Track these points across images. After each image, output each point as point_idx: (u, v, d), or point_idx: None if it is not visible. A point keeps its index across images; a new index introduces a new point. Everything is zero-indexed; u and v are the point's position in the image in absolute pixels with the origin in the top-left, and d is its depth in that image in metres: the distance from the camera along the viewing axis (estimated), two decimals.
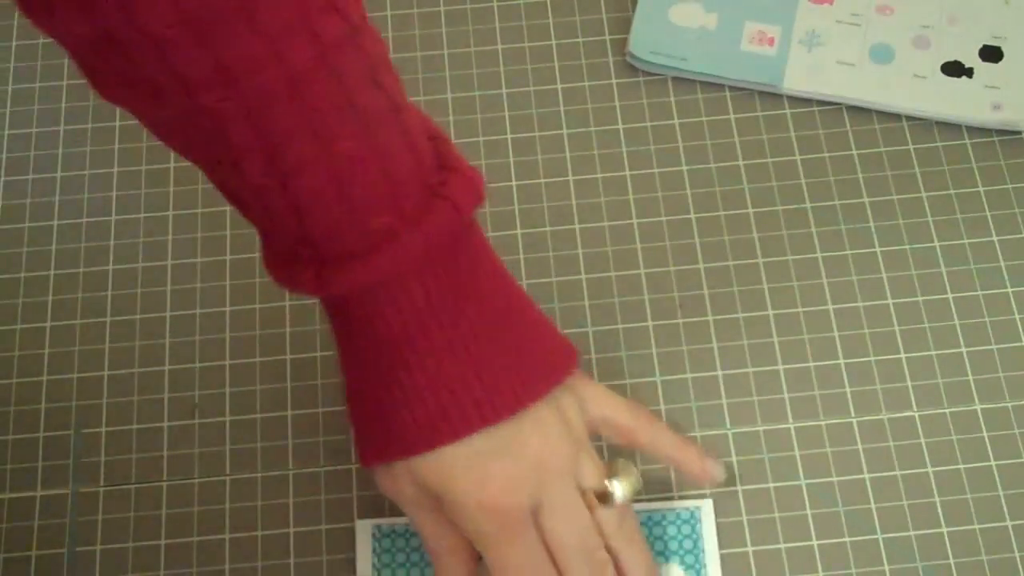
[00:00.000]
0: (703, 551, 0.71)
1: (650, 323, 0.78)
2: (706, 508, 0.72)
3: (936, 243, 0.79)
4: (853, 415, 0.75)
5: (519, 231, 0.80)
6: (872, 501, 0.72)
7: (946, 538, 0.71)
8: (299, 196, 0.58)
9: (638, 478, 0.65)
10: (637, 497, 0.71)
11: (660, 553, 0.71)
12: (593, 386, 0.67)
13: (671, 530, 0.71)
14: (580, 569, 0.64)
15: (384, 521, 0.72)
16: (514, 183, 0.82)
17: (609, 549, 0.65)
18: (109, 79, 0.56)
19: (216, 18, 0.53)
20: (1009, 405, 0.75)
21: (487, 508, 0.62)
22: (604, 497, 0.65)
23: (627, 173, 0.82)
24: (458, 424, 0.62)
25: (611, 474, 0.65)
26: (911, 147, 0.82)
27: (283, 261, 0.62)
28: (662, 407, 0.75)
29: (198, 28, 0.53)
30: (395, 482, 0.65)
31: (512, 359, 0.63)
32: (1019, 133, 0.83)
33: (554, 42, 0.87)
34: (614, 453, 0.73)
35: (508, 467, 0.63)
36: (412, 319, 0.61)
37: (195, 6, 0.52)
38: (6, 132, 0.84)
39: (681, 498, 0.72)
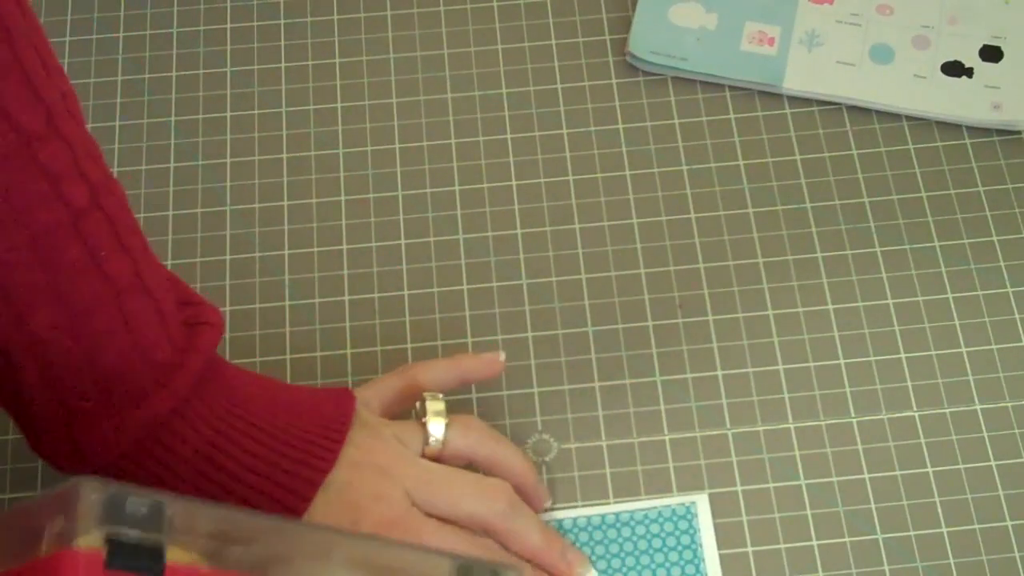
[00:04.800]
0: (700, 546, 0.71)
1: (650, 323, 0.78)
2: (702, 504, 0.72)
3: (936, 243, 0.79)
4: (853, 415, 0.74)
5: (519, 231, 0.80)
6: (872, 501, 0.72)
7: (946, 538, 0.71)
8: (91, 338, 0.60)
9: (437, 397, 0.68)
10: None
11: (658, 550, 0.71)
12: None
13: (667, 527, 0.71)
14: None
15: None
16: (514, 183, 0.82)
17: (480, 458, 0.69)
18: None
19: None
20: (1009, 405, 0.74)
21: (383, 523, 0.64)
22: (438, 441, 0.68)
23: (627, 173, 0.82)
24: (305, 488, 0.64)
25: (422, 417, 0.68)
26: (911, 147, 0.82)
27: (65, 434, 0.62)
28: (662, 407, 0.75)
29: None
30: None
31: (308, 413, 0.65)
32: (1019, 133, 0.82)
33: (554, 42, 0.87)
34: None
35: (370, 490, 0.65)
36: (209, 434, 0.63)
37: None
38: None
39: (678, 494, 0.72)
